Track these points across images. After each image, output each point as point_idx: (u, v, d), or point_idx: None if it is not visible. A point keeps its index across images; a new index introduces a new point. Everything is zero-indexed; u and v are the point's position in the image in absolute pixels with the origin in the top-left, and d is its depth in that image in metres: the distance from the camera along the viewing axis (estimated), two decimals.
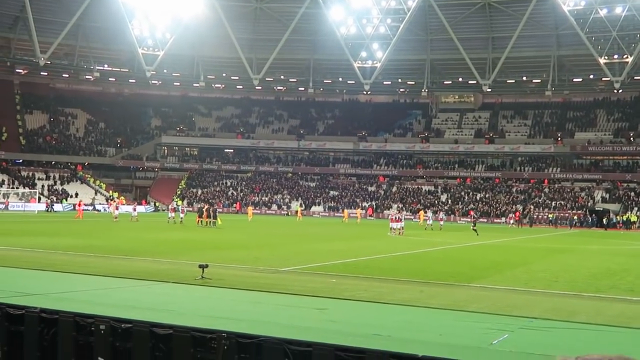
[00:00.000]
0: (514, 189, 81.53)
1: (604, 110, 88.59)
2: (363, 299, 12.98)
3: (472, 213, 68.82)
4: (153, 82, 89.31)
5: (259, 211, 77.74)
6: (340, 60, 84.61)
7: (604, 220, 68.14)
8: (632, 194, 75.29)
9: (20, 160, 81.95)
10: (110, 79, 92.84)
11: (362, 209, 75.24)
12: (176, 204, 65.02)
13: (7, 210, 64.33)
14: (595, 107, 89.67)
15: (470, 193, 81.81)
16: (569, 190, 78.65)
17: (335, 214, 78.54)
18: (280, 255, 23.87)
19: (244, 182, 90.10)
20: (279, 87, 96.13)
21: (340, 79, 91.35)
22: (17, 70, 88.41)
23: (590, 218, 70.56)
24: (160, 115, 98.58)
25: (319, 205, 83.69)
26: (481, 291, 15.67)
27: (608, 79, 77.17)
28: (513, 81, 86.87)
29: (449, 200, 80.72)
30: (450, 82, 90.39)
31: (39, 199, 71.26)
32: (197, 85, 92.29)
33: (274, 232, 41.94)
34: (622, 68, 74.99)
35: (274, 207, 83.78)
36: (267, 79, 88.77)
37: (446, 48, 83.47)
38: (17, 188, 74.90)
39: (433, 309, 12.00)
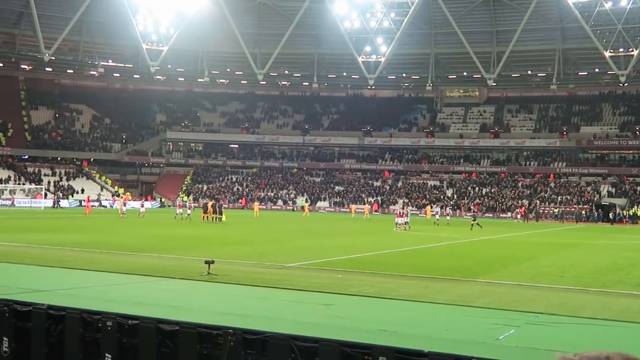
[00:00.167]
0: (519, 184, 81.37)
1: (609, 104, 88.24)
2: (369, 294, 12.99)
3: (471, 208, 68.64)
4: (157, 77, 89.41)
5: (264, 207, 77.78)
6: (345, 55, 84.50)
7: (610, 214, 67.94)
8: (639, 188, 75.03)
9: (26, 157, 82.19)
10: (114, 75, 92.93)
11: (368, 204, 75.21)
12: (182, 200, 65.10)
13: (13, 207, 64.52)
14: (600, 100, 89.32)
15: (476, 188, 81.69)
16: (574, 184, 78.45)
17: (341, 209, 78.54)
18: (286, 251, 23.90)
19: (249, 178, 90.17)
20: (283, 82, 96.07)
21: (345, 74, 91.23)
22: (22, 66, 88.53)
23: (596, 213, 70.34)
24: (165, 110, 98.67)
25: (324, 200, 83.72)
26: (487, 286, 15.67)
27: (613, 72, 76.86)
28: (518, 75, 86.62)
29: (455, 195, 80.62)
30: (455, 76, 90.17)
31: (45, 195, 71.43)
32: (202, 80, 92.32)
33: (279, 227, 41.97)
34: (628, 61, 74.65)
35: (280, 202, 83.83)
36: (271, 74, 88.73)
37: (450, 42, 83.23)
38: (23, 184, 75.10)
39: (439, 304, 11.99)
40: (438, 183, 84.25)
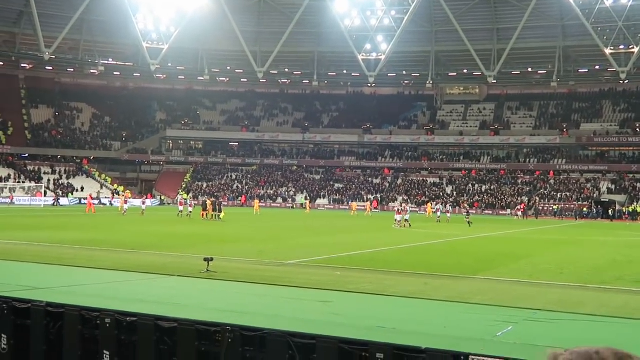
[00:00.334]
0: (519, 181, 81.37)
1: (609, 101, 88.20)
2: (367, 291, 13.01)
3: (464, 205, 68.46)
4: (158, 75, 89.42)
5: (264, 204, 77.78)
6: (345, 53, 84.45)
7: (610, 211, 67.96)
8: (638, 185, 75.01)
9: (26, 155, 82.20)
10: (115, 73, 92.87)
11: (369, 202, 75.16)
12: (183, 198, 65.15)
13: (13, 205, 64.54)
14: (601, 98, 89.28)
15: (476, 185, 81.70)
16: (574, 181, 78.44)
17: (341, 207, 78.53)
18: (285, 248, 23.92)
19: (249, 175, 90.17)
20: (283, 80, 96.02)
21: (345, 72, 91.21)
22: (22, 65, 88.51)
23: (595, 209, 70.34)
24: (165, 108, 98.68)
25: (324, 198, 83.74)
26: (486, 283, 15.68)
27: (614, 69, 76.81)
28: (518, 72, 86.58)
29: (454, 193, 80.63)
30: (455, 73, 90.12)
31: (45, 193, 71.45)
32: (202, 78, 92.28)
33: (278, 225, 41.99)
34: (628, 58, 74.58)
35: (279, 200, 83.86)
36: (271, 72, 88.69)
37: (451, 40, 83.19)
38: (23, 182, 75.15)
39: (437, 301, 12.02)
40: (438, 180, 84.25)
